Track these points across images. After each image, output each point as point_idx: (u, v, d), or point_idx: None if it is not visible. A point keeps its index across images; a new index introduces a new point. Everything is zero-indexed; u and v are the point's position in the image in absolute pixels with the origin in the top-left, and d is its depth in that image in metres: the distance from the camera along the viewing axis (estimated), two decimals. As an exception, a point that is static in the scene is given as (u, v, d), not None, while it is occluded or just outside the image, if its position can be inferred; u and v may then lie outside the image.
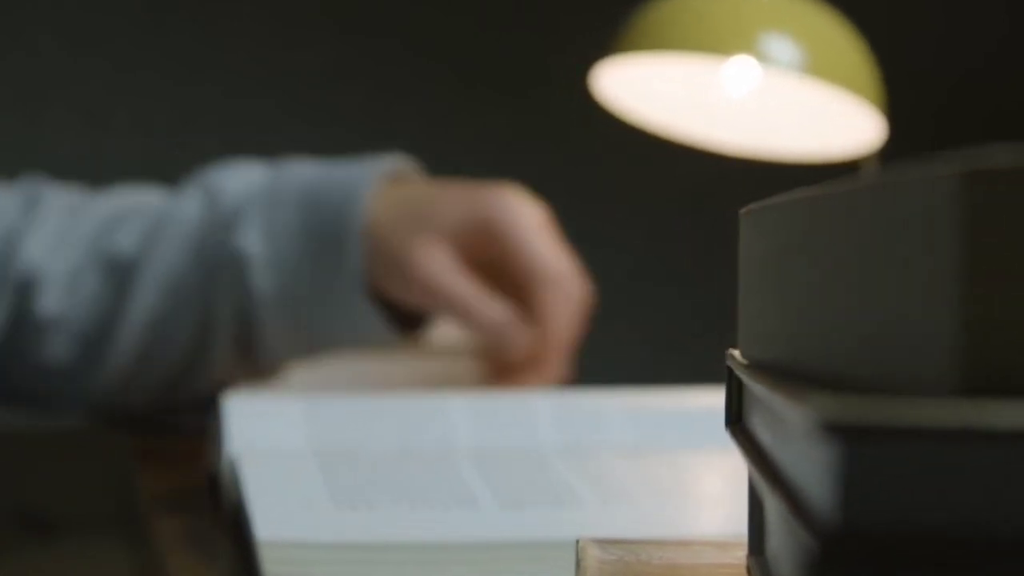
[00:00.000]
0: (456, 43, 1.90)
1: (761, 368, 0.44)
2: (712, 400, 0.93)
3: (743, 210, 0.45)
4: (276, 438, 0.84)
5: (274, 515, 0.70)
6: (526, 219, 0.94)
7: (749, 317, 0.45)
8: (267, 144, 1.88)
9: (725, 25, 1.05)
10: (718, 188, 1.86)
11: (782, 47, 1.04)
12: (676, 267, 1.97)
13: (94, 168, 1.80)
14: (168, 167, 1.83)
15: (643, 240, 1.97)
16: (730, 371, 0.51)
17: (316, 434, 0.85)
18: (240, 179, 1.00)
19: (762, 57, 1.04)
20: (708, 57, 1.05)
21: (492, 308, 0.93)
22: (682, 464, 0.83)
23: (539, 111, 1.90)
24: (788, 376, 0.39)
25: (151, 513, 0.90)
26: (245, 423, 0.85)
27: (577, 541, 0.55)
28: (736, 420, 0.51)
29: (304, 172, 1.00)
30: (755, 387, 0.42)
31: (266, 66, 1.86)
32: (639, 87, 1.14)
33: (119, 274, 1.00)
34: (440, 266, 0.93)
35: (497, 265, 0.95)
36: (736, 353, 0.49)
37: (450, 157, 1.91)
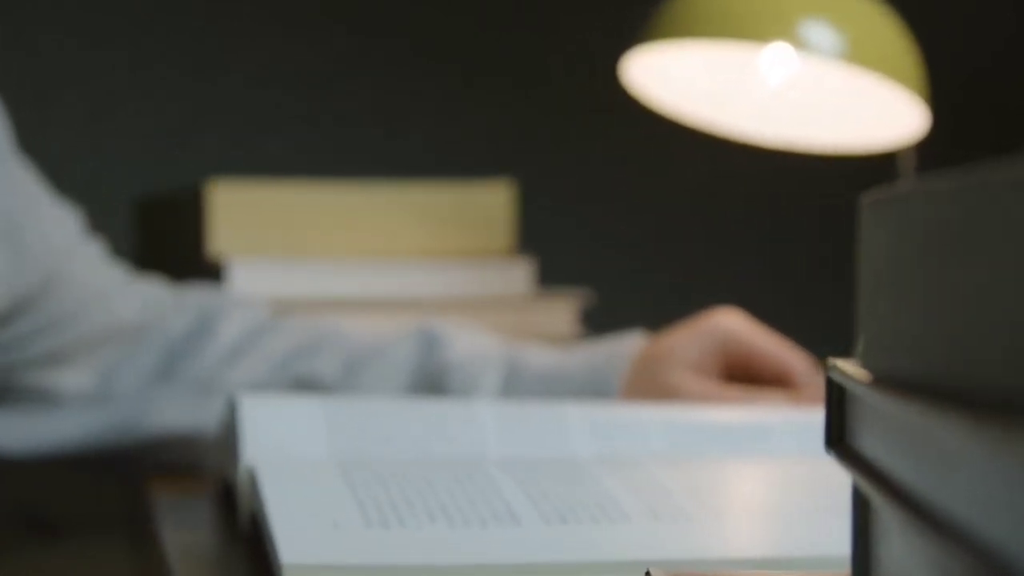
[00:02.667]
0: (461, 39, 1.84)
1: (894, 383, 0.36)
2: (744, 409, 0.87)
3: (866, 199, 0.38)
4: (296, 445, 0.77)
5: (299, 534, 0.62)
6: (752, 329, 0.95)
7: (874, 323, 0.38)
8: (272, 140, 1.84)
9: (762, 11, 0.97)
10: (742, 181, 1.79)
11: (822, 33, 0.96)
12: (689, 265, 1.90)
13: (99, 162, 1.75)
14: (173, 163, 1.78)
15: (651, 238, 1.89)
16: (831, 384, 0.43)
17: (339, 441, 0.77)
18: (465, 339, 0.97)
19: (801, 44, 0.96)
20: (743, 44, 0.98)
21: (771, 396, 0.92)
22: (726, 475, 0.76)
23: (544, 107, 1.84)
24: (941, 396, 0.32)
25: (158, 523, 0.82)
26: (263, 429, 0.77)
27: (647, 573, 0.47)
28: (838, 440, 0.43)
29: (540, 355, 0.97)
30: (896, 408, 0.34)
31: (271, 63, 1.80)
32: (670, 76, 1.06)
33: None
34: (703, 386, 0.92)
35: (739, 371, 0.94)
36: (845, 364, 0.42)
37: (455, 153, 1.86)
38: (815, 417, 0.86)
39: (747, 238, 1.91)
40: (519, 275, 1.25)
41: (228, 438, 0.81)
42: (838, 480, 0.72)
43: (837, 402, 0.43)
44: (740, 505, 0.69)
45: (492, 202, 1.26)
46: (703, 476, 0.73)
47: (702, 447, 0.80)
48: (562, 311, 1.25)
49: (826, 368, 0.43)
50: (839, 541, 0.64)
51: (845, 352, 1.09)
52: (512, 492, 0.67)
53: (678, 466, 0.73)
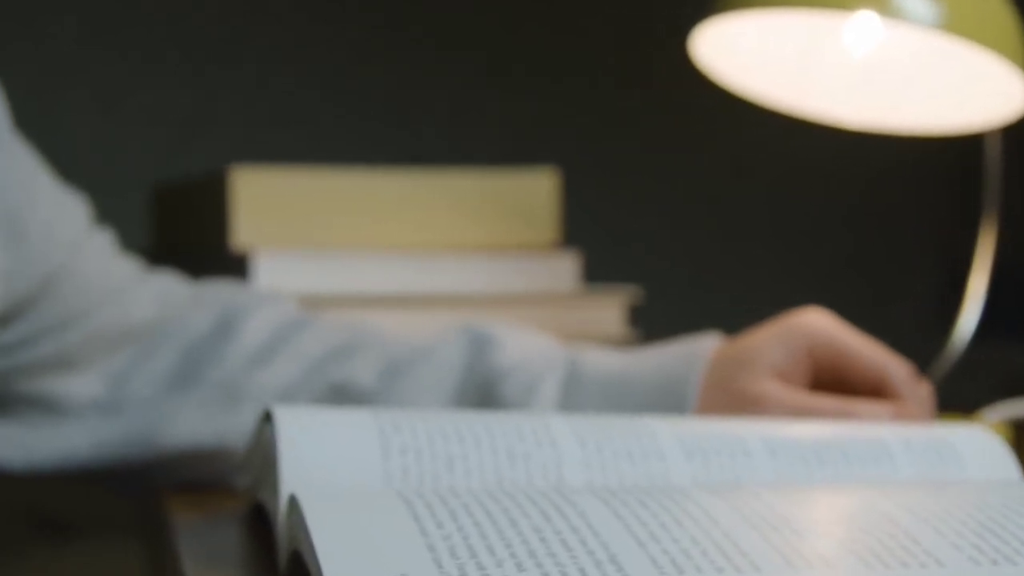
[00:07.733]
0: (502, 19, 1.74)
1: None
2: (849, 424, 0.73)
3: None
4: (346, 469, 0.62)
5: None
6: (843, 330, 0.82)
7: None
8: (295, 128, 1.72)
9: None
10: (806, 168, 1.66)
11: (913, 0, 0.82)
12: (746, 260, 1.77)
13: (114, 150, 1.64)
14: (191, 150, 1.67)
15: (704, 231, 1.77)
16: None
17: (395, 463, 0.63)
18: (518, 341, 0.84)
19: (889, 12, 0.82)
20: (825, 14, 0.84)
21: (870, 405, 0.79)
22: (859, 507, 0.61)
23: (590, 90, 1.73)
24: None
25: (177, 552, 0.67)
26: (306, 448, 0.63)
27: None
28: None
29: (602, 359, 0.83)
30: None
31: (294, 48, 1.72)
32: (739, 51, 0.92)
33: (352, 403, 0.83)
34: (792, 396, 0.79)
35: (827, 378, 0.82)
36: None
37: (495, 142, 1.74)
38: (935, 433, 0.72)
39: (809, 231, 1.77)
40: (563, 270, 1.13)
41: (261, 456, 0.67)
42: (990, 516, 0.57)
43: None
44: (886, 548, 0.55)
45: (535, 192, 1.13)
46: (833, 508, 0.58)
47: (814, 470, 0.66)
48: (609, 309, 1.12)
49: None
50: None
51: (924, 360, 0.93)
52: (612, 531, 0.53)
53: (799, 495, 0.59)
